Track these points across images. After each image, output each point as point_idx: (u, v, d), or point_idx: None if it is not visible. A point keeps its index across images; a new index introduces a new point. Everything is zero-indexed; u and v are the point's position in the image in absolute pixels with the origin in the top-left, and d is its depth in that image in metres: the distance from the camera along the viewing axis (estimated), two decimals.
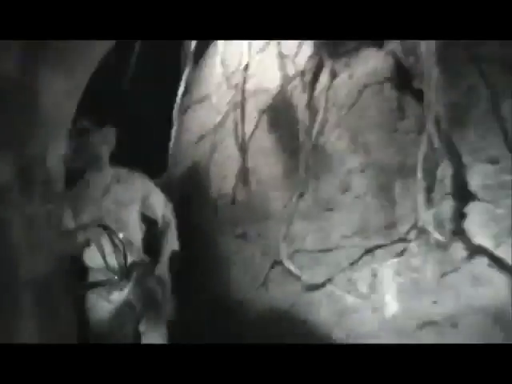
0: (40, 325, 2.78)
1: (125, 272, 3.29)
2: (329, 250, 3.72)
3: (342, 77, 3.85)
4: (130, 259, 3.35)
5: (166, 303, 3.63)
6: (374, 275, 3.53)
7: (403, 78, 3.54)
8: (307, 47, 3.98)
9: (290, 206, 3.92)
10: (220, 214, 4.26)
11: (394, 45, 3.58)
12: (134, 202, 3.56)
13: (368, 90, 3.72)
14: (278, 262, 3.96)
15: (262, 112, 4.14)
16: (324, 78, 3.91)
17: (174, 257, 3.82)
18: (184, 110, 4.82)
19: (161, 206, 3.72)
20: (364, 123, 3.69)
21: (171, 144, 4.79)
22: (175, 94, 4.80)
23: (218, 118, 4.38)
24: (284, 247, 3.92)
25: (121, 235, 3.26)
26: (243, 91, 4.27)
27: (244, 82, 4.28)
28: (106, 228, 3.26)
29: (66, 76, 3.76)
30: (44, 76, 3.33)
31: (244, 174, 4.16)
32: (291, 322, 3.85)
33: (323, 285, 3.74)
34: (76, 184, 3.65)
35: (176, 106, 4.82)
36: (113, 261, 3.31)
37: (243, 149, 4.20)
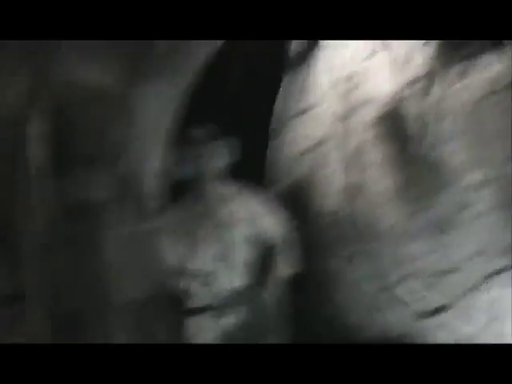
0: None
1: (233, 297, 3.03)
2: (443, 274, 3.44)
3: (458, 86, 3.52)
4: (234, 283, 3.07)
5: (275, 327, 3.34)
6: (495, 302, 3.26)
7: None
8: (419, 55, 3.68)
9: (400, 226, 3.62)
10: (323, 233, 4.00)
11: None
12: (241, 222, 3.23)
13: (486, 100, 3.40)
14: (386, 288, 3.66)
15: (370, 124, 3.86)
16: (438, 87, 3.59)
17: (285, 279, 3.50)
18: (285, 121, 4.59)
19: (272, 228, 3.35)
20: (482, 135, 3.37)
21: (270, 157, 4.53)
22: (273, 102, 4.58)
23: (323, 131, 4.12)
24: (393, 271, 3.62)
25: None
26: (349, 101, 4.00)
27: (350, 91, 4.01)
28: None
29: (165, 87, 3.70)
30: (141, 88, 3.27)
31: (350, 191, 3.89)
32: None
33: (437, 312, 3.44)
34: (178, 201, 3.36)
35: (276, 116, 4.59)
36: (217, 285, 3.05)
37: (349, 163, 3.92)
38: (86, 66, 2.88)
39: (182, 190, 3.59)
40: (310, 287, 4.00)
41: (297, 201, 4.22)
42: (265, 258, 3.38)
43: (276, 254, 3.38)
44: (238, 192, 3.24)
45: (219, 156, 3.26)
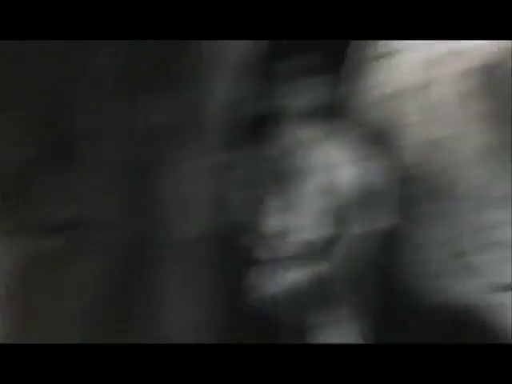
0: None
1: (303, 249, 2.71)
2: None
3: None
4: (305, 235, 2.74)
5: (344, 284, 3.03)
6: None
7: None
8: None
9: (483, 189, 3.31)
10: (395, 189, 3.70)
11: None
12: (318, 169, 2.83)
13: None
14: (459, 254, 3.37)
15: (463, 74, 3.50)
16: None
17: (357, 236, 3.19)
18: (367, 63, 4.21)
19: (348, 179, 2.92)
20: None
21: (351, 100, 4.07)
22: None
23: (404, 78, 3.76)
24: (470, 237, 3.33)
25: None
26: (438, 49, 3.63)
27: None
28: None
29: None
30: None
31: (429, 146, 3.55)
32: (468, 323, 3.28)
33: None
34: (247, 140, 3.02)
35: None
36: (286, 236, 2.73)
37: (432, 116, 3.57)
38: None
39: (257, 128, 3.27)
40: (378, 247, 3.72)
41: (373, 152, 3.89)
42: (339, 210, 3.07)
43: (350, 208, 3.04)
44: (317, 137, 2.88)
45: (302, 94, 2.88)
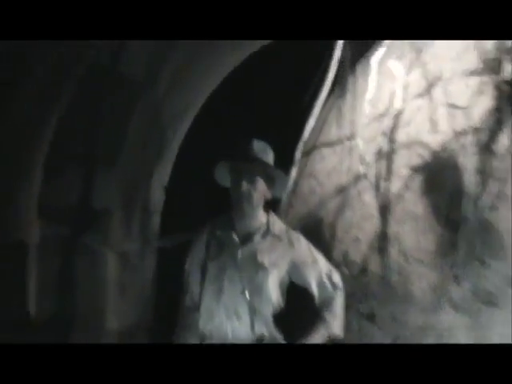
0: None
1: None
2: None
3: None
4: (257, 330, 2.45)
5: None
6: None
7: None
8: (486, 98, 3.22)
9: (439, 291, 3.16)
10: (344, 284, 3.48)
11: None
12: (279, 265, 2.51)
13: None
14: None
15: (416, 169, 3.39)
16: (504, 138, 3.15)
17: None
18: (309, 151, 4.07)
19: (317, 276, 2.59)
20: None
21: (288, 185, 3.81)
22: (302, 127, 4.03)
23: (359, 169, 3.61)
24: (425, 339, 3.16)
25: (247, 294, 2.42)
26: (393, 140, 3.52)
27: (395, 129, 3.53)
28: None
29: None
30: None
31: (382, 241, 3.40)
32: None
33: None
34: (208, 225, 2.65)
35: (301, 143, 4.05)
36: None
37: (385, 210, 3.43)
38: None
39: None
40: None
41: (314, 241, 3.67)
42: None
43: (325, 311, 2.67)
44: (287, 230, 2.59)
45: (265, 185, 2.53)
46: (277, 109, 4.30)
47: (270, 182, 2.54)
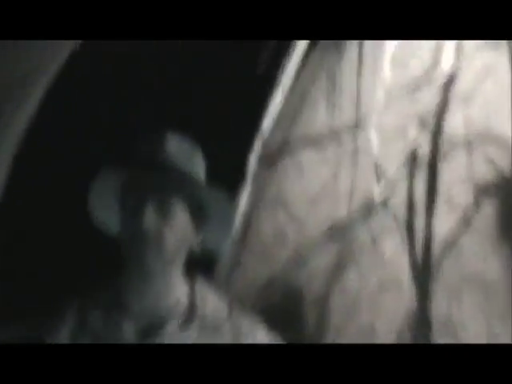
0: None
1: None
2: None
3: None
4: None
5: None
6: None
7: None
8: None
9: None
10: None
11: None
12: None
13: None
14: None
15: (485, 189, 2.07)
16: None
17: None
18: (273, 155, 2.55)
19: None
20: None
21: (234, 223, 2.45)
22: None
23: (372, 190, 2.08)
24: None
25: None
26: (439, 133, 2.01)
27: (444, 110, 2.07)
28: None
29: None
30: None
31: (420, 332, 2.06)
32: None
33: None
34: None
35: (257, 143, 2.69)
36: None
37: (427, 273, 1.91)
38: None
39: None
40: None
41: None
42: None
43: None
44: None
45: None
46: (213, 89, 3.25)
47: (199, 214, 1.57)
